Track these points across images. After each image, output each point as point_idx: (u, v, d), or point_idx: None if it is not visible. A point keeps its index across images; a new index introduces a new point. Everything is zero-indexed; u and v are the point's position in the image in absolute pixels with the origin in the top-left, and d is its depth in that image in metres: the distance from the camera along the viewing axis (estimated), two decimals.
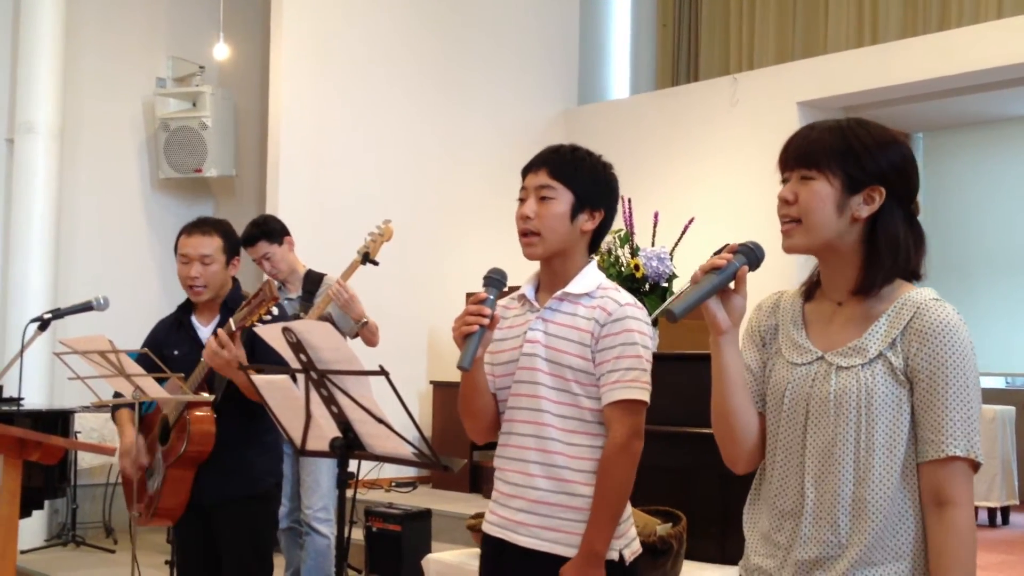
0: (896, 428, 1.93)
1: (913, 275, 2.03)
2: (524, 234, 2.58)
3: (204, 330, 3.82)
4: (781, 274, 2.15)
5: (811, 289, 2.11)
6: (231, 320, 3.49)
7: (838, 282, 2.03)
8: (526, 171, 2.63)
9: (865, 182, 1.96)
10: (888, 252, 1.97)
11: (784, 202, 2.01)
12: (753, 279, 2.02)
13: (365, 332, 5.18)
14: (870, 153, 1.97)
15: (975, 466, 1.92)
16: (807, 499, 1.98)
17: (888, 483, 1.92)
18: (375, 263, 4.99)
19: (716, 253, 2.02)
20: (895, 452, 1.93)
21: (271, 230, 5.31)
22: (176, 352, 3.81)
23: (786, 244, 2.02)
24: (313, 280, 5.28)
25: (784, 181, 2.04)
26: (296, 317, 5.02)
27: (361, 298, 5.30)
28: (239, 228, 4.27)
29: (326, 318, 5.07)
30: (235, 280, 3.92)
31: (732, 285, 2.00)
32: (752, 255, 2.01)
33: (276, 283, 5.37)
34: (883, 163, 1.97)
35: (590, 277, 2.61)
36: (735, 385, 2.05)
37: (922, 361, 1.92)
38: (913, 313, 1.94)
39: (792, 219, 2.00)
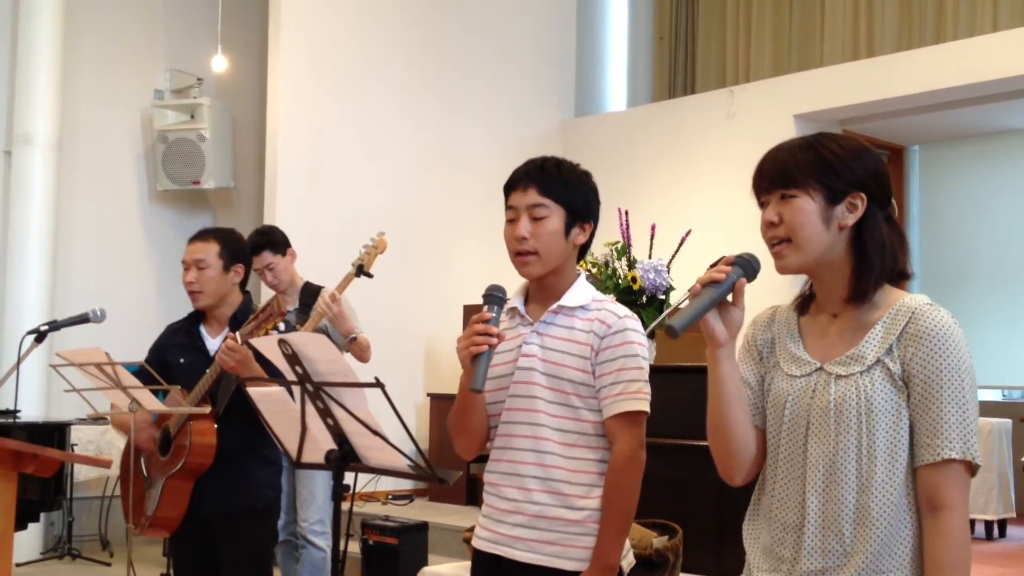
0: (896, 434, 1.94)
1: (901, 275, 2.04)
2: (519, 254, 2.56)
3: (212, 341, 3.81)
4: (778, 287, 2.15)
5: (805, 302, 2.12)
6: (237, 333, 3.50)
7: (832, 293, 2.04)
8: (510, 188, 2.60)
9: (845, 191, 1.98)
10: (877, 255, 1.99)
11: (769, 224, 2.02)
12: (750, 291, 2.03)
13: (354, 347, 5.14)
14: (844, 162, 1.99)
15: (972, 469, 1.92)
16: (810, 510, 1.98)
17: (891, 489, 1.93)
18: (369, 275, 4.98)
19: (712, 265, 2.03)
20: (897, 458, 1.93)
21: (275, 240, 5.34)
22: (182, 360, 3.81)
23: (779, 265, 2.03)
24: (310, 293, 5.28)
25: (762, 205, 2.05)
26: (292, 330, 5.01)
27: (357, 309, 5.29)
28: None
29: (320, 331, 5.06)
30: (247, 294, 3.90)
31: (730, 298, 2.01)
32: (748, 267, 2.01)
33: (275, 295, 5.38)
34: (858, 170, 1.99)
35: (582, 290, 2.61)
36: (732, 398, 2.05)
37: (918, 365, 1.92)
38: (908, 318, 1.95)
39: (781, 239, 2.01)
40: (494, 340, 2.36)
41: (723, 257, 2.03)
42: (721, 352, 2.02)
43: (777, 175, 2.02)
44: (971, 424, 1.91)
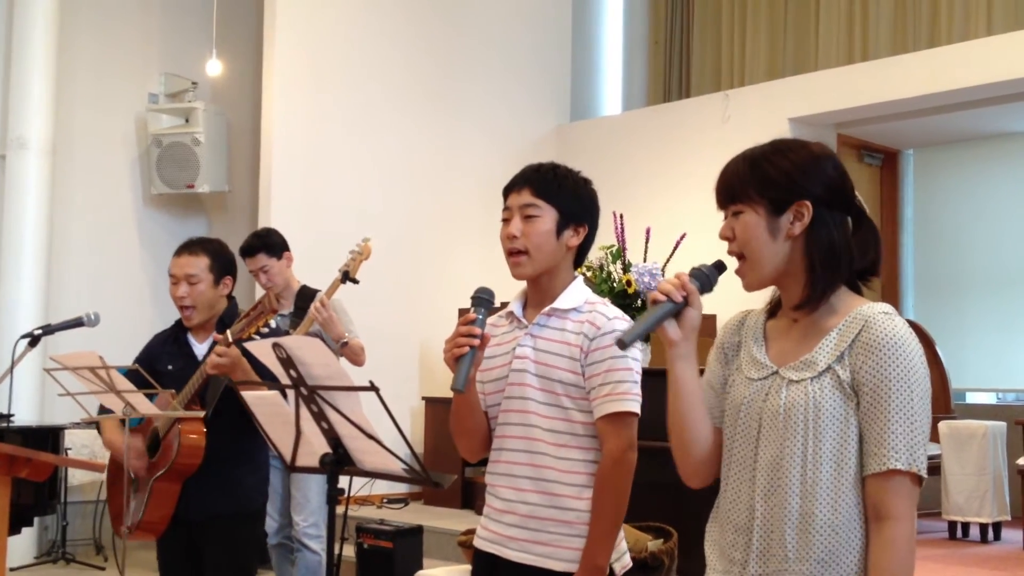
0: (843, 442, 1.93)
1: (869, 272, 2.05)
2: (511, 253, 2.61)
3: (199, 347, 3.81)
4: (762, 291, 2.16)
5: (775, 307, 2.14)
6: (228, 331, 3.49)
7: (790, 300, 2.06)
8: (508, 190, 2.66)
9: (788, 200, 2.00)
10: (823, 262, 1.99)
11: (726, 239, 2.07)
12: (732, 293, 2.05)
13: (347, 352, 5.15)
14: (784, 172, 2.00)
15: (919, 481, 1.91)
16: (756, 513, 1.99)
17: (836, 498, 1.92)
18: (355, 281, 4.99)
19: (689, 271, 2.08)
20: (843, 467, 1.93)
21: (272, 243, 5.34)
22: (170, 367, 3.80)
23: (744, 285, 2.07)
24: (305, 297, 5.28)
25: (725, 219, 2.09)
26: (285, 333, 5.02)
27: (352, 313, 5.30)
28: (232, 243, 4.26)
29: (314, 335, 5.06)
30: (232, 298, 3.90)
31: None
32: (705, 279, 2.06)
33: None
34: (800, 178, 2.00)
35: (577, 292, 2.63)
36: (688, 398, 2.08)
37: (867, 374, 1.92)
38: (861, 327, 1.95)
39: (737, 255, 2.05)
40: (476, 341, 2.38)
41: (679, 273, 2.07)
42: (674, 352, 2.06)
43: (725, 191, 2.07)
44: (918, 435, 1.90)
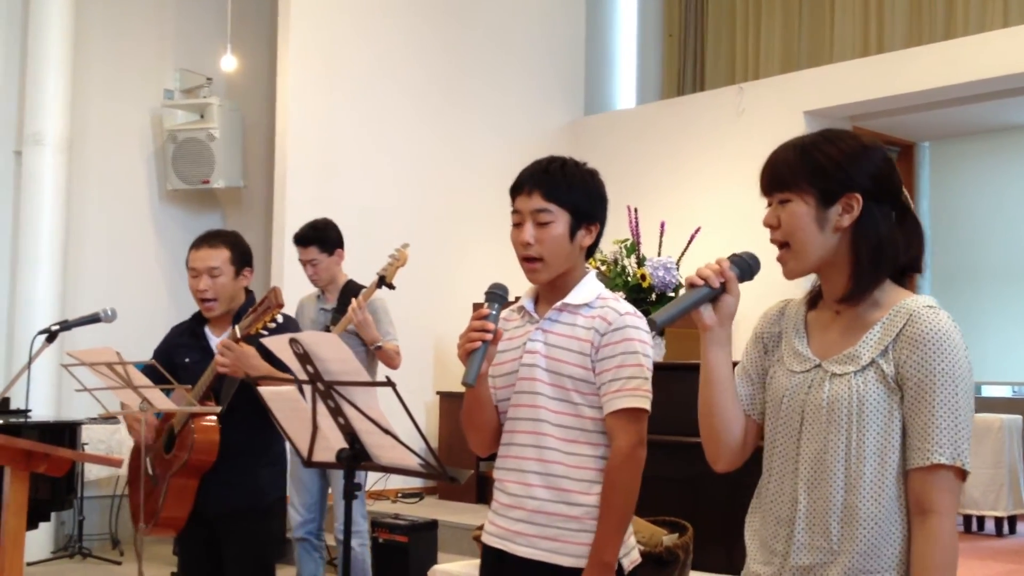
0: (887, 436, 1.93)
1: (912, 268, 2.04)
2: (526, 260, 2.57)
3: (216, 340, 3.81)
4: (788, 282, 2.15)
5: (815, 297, 2.12)
6: (235, 327, 3.51)
7: (834, 291, 2.05)
8: (516, 191, 2.60)
9: (839, 192, 1.98)
10: (870, 256, 1.98)
11: (769, 227, 2.05)
12: (766, 284, 2.04)
13: (381, 355, 5.25)
14: (838, 164, 1.98)
15: (962, 475, 1.91)
16: (800, 506, 2.00)
17: (879, 491, 1.93)
18: (391, 287, 5.13)
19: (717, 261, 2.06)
20: (887, 460, 1.93)
21: (327, 239, 5.40)
22: (187, 359, 3.82)
23: (784, 272, 2.05)
24: (349, 293, 5.32)
25: (769, 206, 2.07)
26: (296, 329, 5.07)
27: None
28: (248, 239, 4.27)
29: (352, 334, 5.15)
30: (249, 291, 3.91)
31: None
32: (745, 266, 2.05)
33: (317, 289, 5.45)
34: (853, 171, 1.98)
35: (589, 287, 2.61)
36: (719, 384, 2.09)
37: (912, 368, 1.92)
38: (906, 320, 1.94)
39: (780, 243, 2.03)
40: (488, 336, 2.37)
41: (719, 259, 2.06)
42: (708, 336, 2.06)
43: (772, 179, 2.04)
44: (963, 430, 1.90)
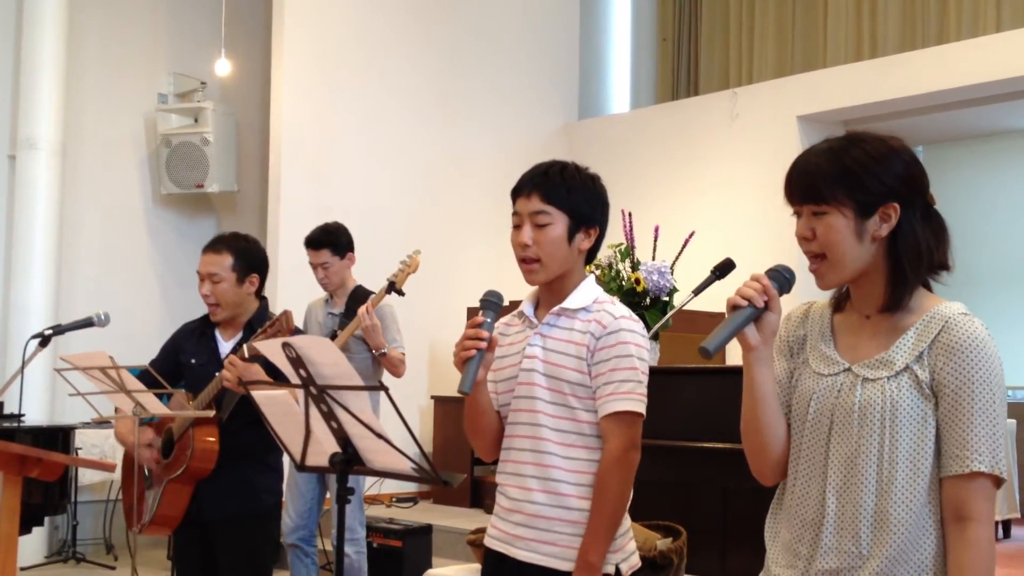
0: (920, 442, 1.93)
1: (941, 267, 2.02)
2: (524, 261, 2.58)
3: (225, 345, 3.81)
4: (809, 286, 2.12)
5: (841, 301, 2.11)
6: (245, 346, 3.51)
7: (868, 298, 2.02)
8: (516, 194, 2.61)
9: (876, 203, 1.95)
10: (912, 265, 1.97)
11: (803, 239, 2.01)
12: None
13: (385, 362, 5.22)
14: (872, 174, 1.95)
15: (998, 483, 1.91)
16: (828, 509, 1.98)
17: (911, 497, 1.92)
18: (401, 293, 5.12)
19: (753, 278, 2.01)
20: (919, 466, 1.92)
21: (339, 242, 5.38)
22: (194, 360, 3.82)
23: (820, 284, 2.02)
24: (358, 298, 5.30)
25: (795, 213, 2.03)
26: (333, 334, 5.10)
27: None
28: None
29: (358, 339, 5.15)
30: (264, 299, 3.90)
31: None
32: (783, 280, 2.01)
33: (325, 294, 5.45)
34: (887, 178, 1.95)
35: (587, 292, 2.61)
36: (765, 400, 2.05)
37: (949, 375, 1.91)
38: (941, 327, 1.94)
39: (815, 255, 2.00)
40: (483, 344, 2.38)
41: (758, 276, 2.01)
42: (753, 356, 2.02)
43: (806, 189, 1.99)
44: (999, 437, 1.90)
